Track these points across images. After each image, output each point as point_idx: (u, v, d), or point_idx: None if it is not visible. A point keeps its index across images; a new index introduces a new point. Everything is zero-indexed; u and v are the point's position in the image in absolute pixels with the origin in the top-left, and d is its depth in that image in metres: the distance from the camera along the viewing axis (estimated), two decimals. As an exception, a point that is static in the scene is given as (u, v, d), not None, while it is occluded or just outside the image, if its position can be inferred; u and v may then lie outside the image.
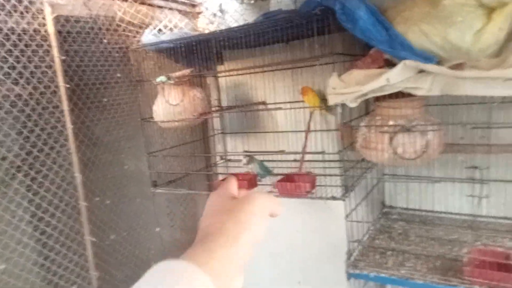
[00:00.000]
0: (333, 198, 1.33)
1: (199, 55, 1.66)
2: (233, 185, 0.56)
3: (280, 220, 1.94)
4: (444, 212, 1.62)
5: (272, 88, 1.91)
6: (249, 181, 1.53)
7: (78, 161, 1.48)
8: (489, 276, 1.13)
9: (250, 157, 1.61)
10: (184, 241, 2.01)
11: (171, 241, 1.95)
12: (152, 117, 1.71)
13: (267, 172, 1.58)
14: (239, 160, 1.86)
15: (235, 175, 1.68)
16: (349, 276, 1.33)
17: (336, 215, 1.72)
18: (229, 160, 2.00)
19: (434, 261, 1.31)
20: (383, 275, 1.27)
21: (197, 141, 2.00)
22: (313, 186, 1.43)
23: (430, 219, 1.62)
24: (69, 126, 1.46)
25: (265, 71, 1.72)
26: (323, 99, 1.62)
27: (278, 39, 1.75)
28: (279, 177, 1.52)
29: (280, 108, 1.70)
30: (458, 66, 1.11)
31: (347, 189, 1.34)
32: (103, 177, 1.62)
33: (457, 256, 1.31)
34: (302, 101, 1.68)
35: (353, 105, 1.28)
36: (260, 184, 1.57)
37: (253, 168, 1.58)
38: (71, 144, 1.47)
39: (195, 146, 1.99)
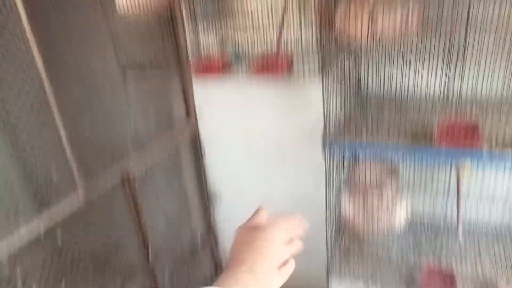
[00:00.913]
0: (309, 76, 1.32)
1: None
2: (261, 218, 0.58)
3: (256, 106, 1.94)
4: (419, 90, 1.66)
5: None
6: (224, 63, 1.48)
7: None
8: (457, 137, 1.20)
9: (224, 40, 1.54)
10: (159, 131, 1.99)
11: (146, 131, 1.93)
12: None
13: (243, 54, 1.52)
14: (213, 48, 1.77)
15: (208, 58, 1.61)
16: (325, 146, 1.39)
17: (314, 92, 1.73)
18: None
19: (407, 130, 1.38)
20: (357, 142, 1.34)
21: (168, 24, 1.86)
22: (291, 66, 1.40)
23: (405, 97, 1.66)
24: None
25: None
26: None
27: None
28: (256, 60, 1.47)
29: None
30: None
31: (324, 66, 1.32)
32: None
33: (428, 124, 1.38)
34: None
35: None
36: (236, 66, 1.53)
37: (229, 51, 1.52)
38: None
39: (166, 29, 1.85)
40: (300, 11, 1.59)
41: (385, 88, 1.72)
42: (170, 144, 1.97)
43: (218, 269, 2.57)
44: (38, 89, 1.36)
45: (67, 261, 1.59)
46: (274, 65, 1.38)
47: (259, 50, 1.60)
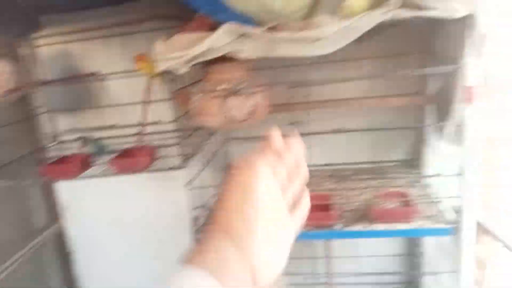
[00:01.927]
0: (172, 168, 1.31)
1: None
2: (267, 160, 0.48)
3: (122, 202, 1.83)
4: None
5: (106, 57, 1.74)
6: (82, 162, 1.40)
7: None
8: (313, 216, 1.27)
9: (83, 137, 1.47)
10: (17, 239, 1.75)
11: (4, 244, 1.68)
12: None
13: (103, 150, 1.46)
14: (76, 141, 1.69)
15: (63, 159, 1.51)
16: (198, 241, 1.35)
17: (178, 185, 1.70)
18: (62, 142, 1.78)
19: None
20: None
21: (20, 123, 1.72)
22: (152, 159, 1.37)
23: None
24: None
25: (88, 39, 1.55)
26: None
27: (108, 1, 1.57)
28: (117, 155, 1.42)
29: (109, 79, 1.56)
30: (273, 29, 1.17)
31: (186, 157, 1.33)
32: None
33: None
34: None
35: (182, 71, 1.24)
36: (95, 164, 1.45)
37: (88, 148, 1.45)
38: None
39: (18, 128, 1.70)
40: (163, 104, 1.60)
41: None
42: (33, 258, 1.73)
43: None
44: None
45: None
46: (135, 160, 1.34)
47: (121, 145, 1.55)
